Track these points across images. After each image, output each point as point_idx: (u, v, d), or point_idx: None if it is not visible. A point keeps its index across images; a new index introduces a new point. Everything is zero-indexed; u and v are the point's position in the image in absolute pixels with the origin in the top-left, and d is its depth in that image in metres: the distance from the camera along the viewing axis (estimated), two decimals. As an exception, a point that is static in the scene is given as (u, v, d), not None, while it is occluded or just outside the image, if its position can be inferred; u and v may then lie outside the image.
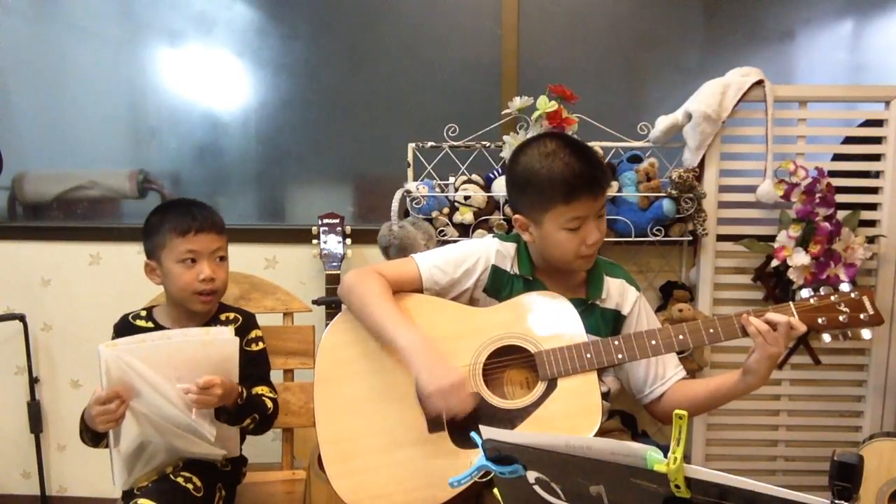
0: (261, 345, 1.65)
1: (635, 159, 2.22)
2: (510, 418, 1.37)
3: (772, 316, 1.38)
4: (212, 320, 1.62)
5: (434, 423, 1.40)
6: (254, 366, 1.61)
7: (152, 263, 1.58)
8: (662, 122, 2.17)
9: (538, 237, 1.47)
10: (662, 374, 1.53)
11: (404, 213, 2.19)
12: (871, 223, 2.20)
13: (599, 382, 1.41)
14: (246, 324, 1.65)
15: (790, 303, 1.41)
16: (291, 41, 2.57)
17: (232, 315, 1.65)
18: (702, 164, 2.19)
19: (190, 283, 1.53)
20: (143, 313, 1.63)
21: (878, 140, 2.20)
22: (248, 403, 1.50)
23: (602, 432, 1.32)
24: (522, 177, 1.46)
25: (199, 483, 1.48)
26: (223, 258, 1.59)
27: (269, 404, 1.56)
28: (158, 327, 1.59)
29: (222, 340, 1.42)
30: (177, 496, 1.44)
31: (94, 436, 1.44)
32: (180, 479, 1.46)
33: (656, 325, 1.56)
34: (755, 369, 1.39)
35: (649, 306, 1.60)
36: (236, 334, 1.58)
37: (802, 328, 1.37)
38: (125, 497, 1.48)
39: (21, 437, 2.56)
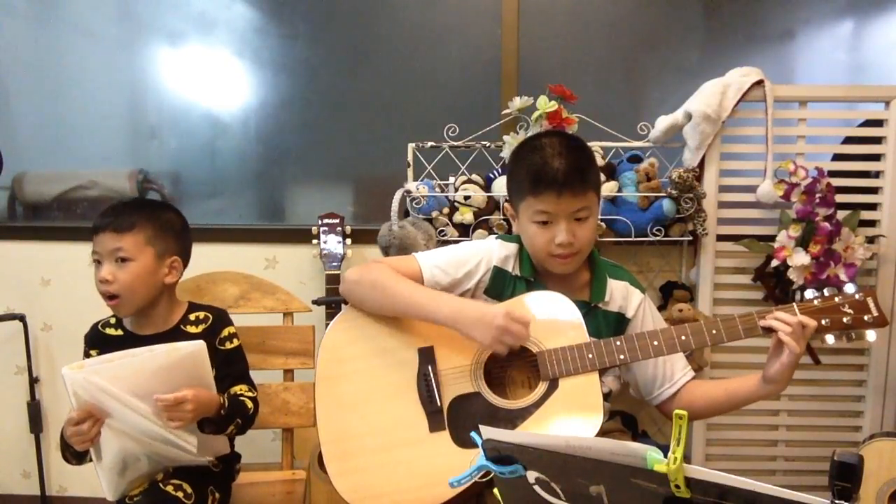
0: (235, 342, 1.62)
1: (635, 159, 2.22)
2: (511, 418, 1.37)
3: (781, 316, 1.36)
4: (181, 320, 1.59)
5: (435, 422, 1.40)
6: (229, 364, 1.59)
7: None
8: (662, 122, 2.18)
9: (519, 227, 1.52)
10: (671, 376, 1.53)
11: (404, 213, 2.19)
12: (871, 223, 2.20)
13: (600, 383, 1.41)
14: (217, 322, 1.61)
15: (794, 304, 1.39)
16: (291, 41, 2.57)
17: (202, 314, 1.61)
18: (702, 164, 2.19)
19: (98, 285, 1.50)
20: (113, 320, 1.60)
21: (878, 140, 2.20)
22: (230, 411, 1.48)
23: (602, 432, 1.32)
24: (511, 165, 1.54)
25: (189, 490, 1.47)
26: (124, 259, 1.49)
27: (250, 404, 1.54)
28: (128, 333, 1.57)
29: (189, 350, 1.39)
30: None
31: (75, 453, 1.42)
32: (170, 488, 1.45)
33: (662, 328, 1.55)
34: (780, 378, 1.37)
35: (655, 308, 1.60)
36: (207, 333, 1.58)
37: (813, 324, 1.35)
38: None
39: (21, 437, 2.56)
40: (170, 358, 1.37)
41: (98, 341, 1.58)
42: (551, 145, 1.44)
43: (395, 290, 1.44)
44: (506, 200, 1.59)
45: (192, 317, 1.61)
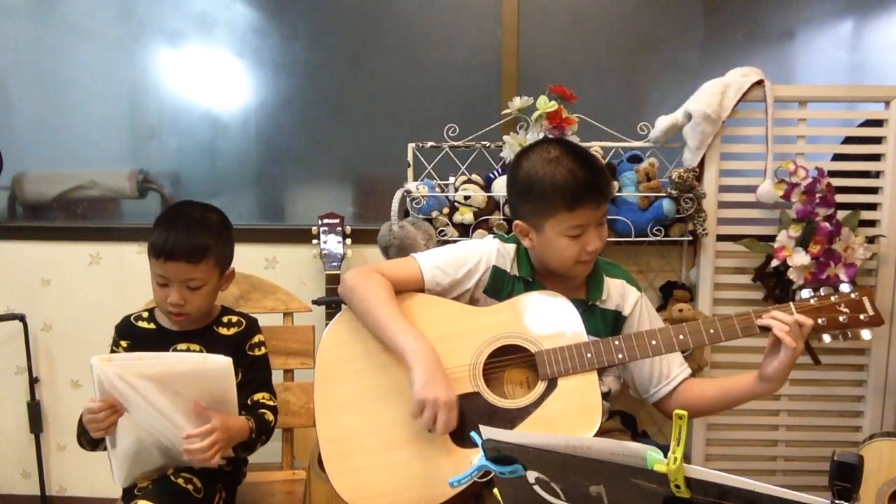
0: (263, 349, 1.64)
1: (635, 159, 2.22)
2: (510, 418, 1.37)
3: (777, 315, 1.37)
4: (214, 323, 1.61)
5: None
6: (255, 370, 1.61)
7: None
8: (662, 122, 2.18)
9: (538, 243, 1.47)
10: (667, 374, 1.53)
11: (404, 213, 2.19)
12: (871, 223, 2.20)
13: (599, 382, 1.41)
14: (249, 328, 1.64)
15: (791, 303, 1.40)
16: (291, 41, 2.57)
17: (234, 318, 1.64)
18: (702, 164, 2.19)
19: (161, 303, 1.52)
20: (146, 314, 1.62)
21: (878, 140, 2.20)
22: (258, 431, 1.50)
23: (602, 432, 1.32)
24: (525, 183, 1.45)
25: (199, 484, 1.48)
26: (196, 288, 1.50)
27: (270, 416, 1.56)
28: (160, 328, 1.59)
29: (217, 368, 1.39)
30: (176, 497, 1.44)
31: (90, 440, 1.44)
32: (181, 480, 1.46)
33: (659, 325, 1.56)
34: (777, 377, 1.37)
35: (651, 306, 1.60)
36: (239, 337, 1.61)
37: (810, 322, 1.35)
38: (125, 496, 1.48)
39: (21, 437, 2.56)
40: (197, 367, 1.38)
41: (129, 333, 1.59)
42: (566, 155, 1.42)
43: (377, 312, 1.42)
44: (514, 217, 1.51)
45: (224, 319, 1.63)
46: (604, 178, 1.44)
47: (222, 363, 1.38)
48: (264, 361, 1.64)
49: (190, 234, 1.49)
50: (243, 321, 1.64)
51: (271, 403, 1.59)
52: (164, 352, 1.52)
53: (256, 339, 1.64)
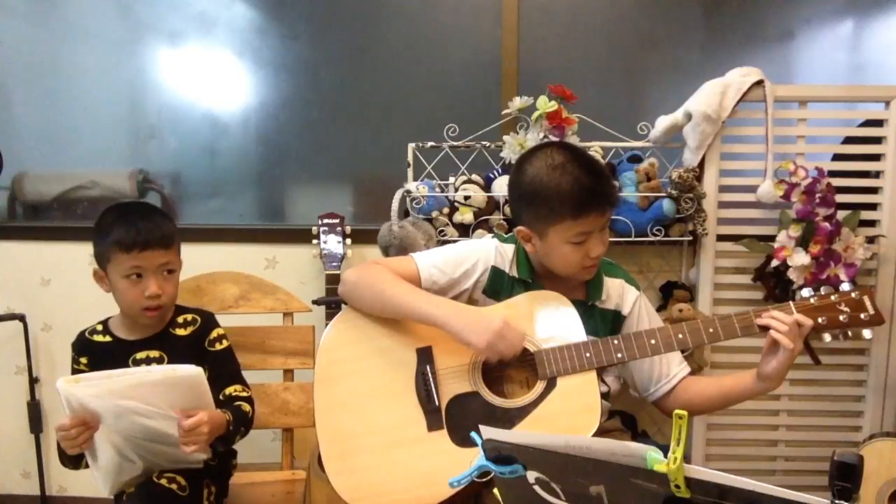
0: (224, 343, 1.63)
1: (635, 159, 2.22)
2: (509, 417, 1.38)
3: (776, 315, 1.37)
4: (170, 323, 1.60)
5: (433, 421, 1.40)
6: (221, 365, 1.60)
7: (100, 272, 1.54)
8: (662, 122, 2.17)
9: (541, 249, 1.47)
10: (667, 372, 1.54)
11: (404, 213, 2.19)
12: (871, 223, 2.20)
13: (599, 382, 1.41)
14: (205, 324, 1.63)
15: (790, 302, 1.40)
16: (291, 41, 2.57)
17: (190, 317, 1.62)
18: (702, 164, 2.19)
19: (136, 300, 1.51)
20: (100, 327, 1.61)
21: (878, 140, 2.20)
22: (236, 424, 1.50)
23: (602, 432, 1.32)
24: (529, 189, 1.43)
25: (183, 482, 1.47)
26: (171, 271, 1.54)
27: (247, 407, 1.56)
28: (116, 339, 1.58)
29: (188, 376, 1.38)
30: (162, 499, 1.44)
31: (71, 458, 1.44)
32: (164, 481, 1.46)
33: (658, 324, 1.56)
34: (775, 376, 1.38)
35: (650, 305, 1.60)
36: (196, 335, 1.60)
37: (809, 322, 1.35)
38: (116, 501, 1.49)
39: (21, 437, 2.56)
40: (167, 377, 1.38)
41: (87, 349, 1.59)
42: (571, 161, 1.41)
43: (393, 292, 1.44)
44: (516, 222, 1.51)
45: (179, 319, 1.62)
46: (609, 185, 1.44)
47: (192, 372, 1.38)
48: (228, 354, 1.64)
49: (153, 222, 1.52)
50: (198, 318, 1.63)
51: (245, 394, 1.58)
52: (126, 365, 1.52)
53: (215, 333, 1.63)
